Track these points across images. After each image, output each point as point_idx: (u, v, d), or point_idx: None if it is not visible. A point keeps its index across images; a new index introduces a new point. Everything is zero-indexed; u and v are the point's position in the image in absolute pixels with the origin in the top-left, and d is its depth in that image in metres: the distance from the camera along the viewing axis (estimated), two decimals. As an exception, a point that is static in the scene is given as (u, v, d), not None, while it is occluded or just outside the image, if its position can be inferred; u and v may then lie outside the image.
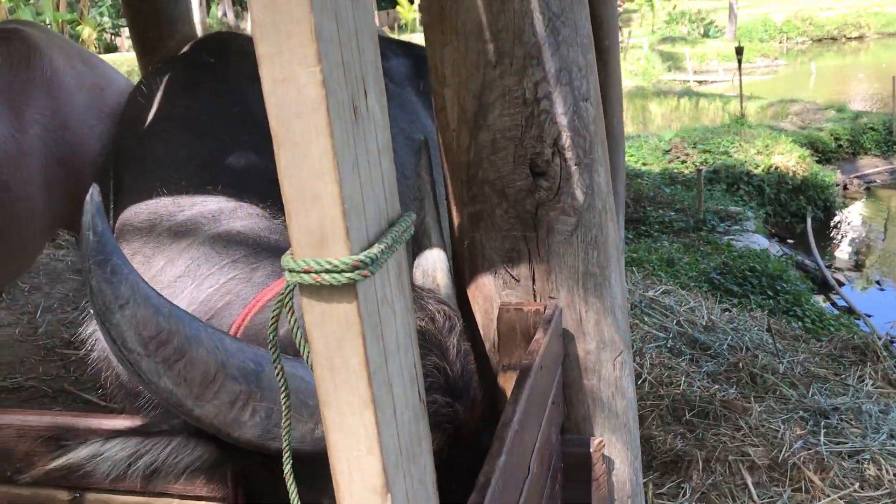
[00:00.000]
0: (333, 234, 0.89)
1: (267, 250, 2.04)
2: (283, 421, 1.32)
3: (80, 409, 4.71)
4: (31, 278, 6.83)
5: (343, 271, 0.90)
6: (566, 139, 2.15)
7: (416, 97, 3.67)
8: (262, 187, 2.39)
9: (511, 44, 2.12)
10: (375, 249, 0.93)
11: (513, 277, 2.21)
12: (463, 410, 1.70)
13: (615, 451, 2.32)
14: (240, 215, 2.19)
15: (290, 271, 0.93)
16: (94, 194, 1.27)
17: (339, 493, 1.00)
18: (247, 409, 1.39)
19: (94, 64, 4.52)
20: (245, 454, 1.51)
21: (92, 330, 2.30)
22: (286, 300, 1.23)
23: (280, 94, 0.86)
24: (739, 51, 16.36)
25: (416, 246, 2.20)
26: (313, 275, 0.91)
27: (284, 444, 1.31)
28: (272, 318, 1.27)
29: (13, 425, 2.45)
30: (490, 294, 2.25)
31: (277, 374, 1.31)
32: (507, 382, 2.08)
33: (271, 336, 1.29)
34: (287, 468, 1.31)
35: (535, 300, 2.20)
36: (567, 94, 2.15)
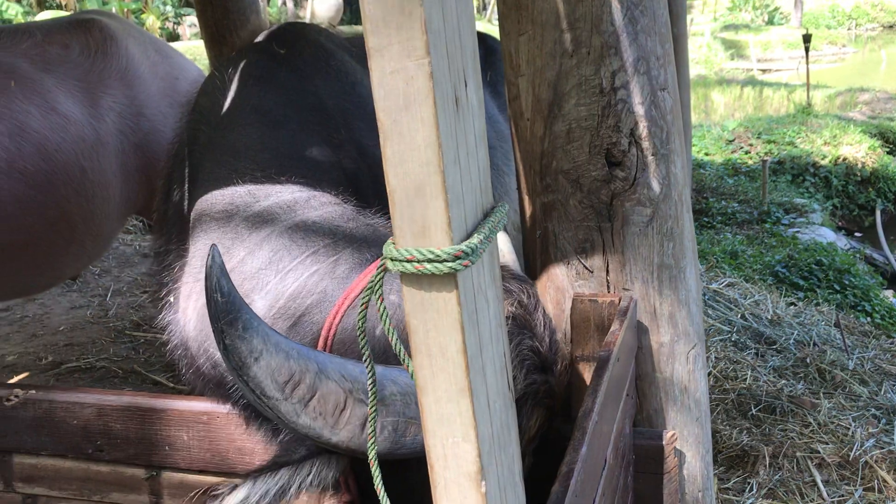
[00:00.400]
0: (436, 223, 0.91)
1: (344, 239, 2.07)
2: (368, 419, 1.35)
3: (149, 390, 4.83)
4: (101, 262, 7.02)
5: (445, 261, 0.91)
6: (643, 129, 2.13)
7: (484, 86, 3.67)
8: (333, 176, 2.42)
9: (588, 33, 2.10)
10: (475, 239, 0.94)
11: (586, 268, 2.21)
12: (556, 383, 1.75)
13: (687, 444, 2.30)
14: (314, 205, 2.22)
15: (391, 260, 0.95)
16: (214, 255, 1.34)
17: (434, 477, 1.02)
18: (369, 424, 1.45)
19: (168, 53, 4.62)
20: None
21: (170, 318, 2.36)
22: (376, 287, 1.25)
23: (388, 86, 0.87)
24: (807, 38, 15.93)
25: None
26: (415, 264, 0.92)
27: (370, 445, 1.35)
28: (362, 305, 1.30)
29: (94, 404, 2.54)
30: (562, 285, 2.25)
31: (366, 365, 1.34)
32: (580, 373, 2.08)
33: (360, 324, 1.32)
34: (376, 475, 1.34)
35: (609, 291, 2.20)
36: (645, 83, 2.13)
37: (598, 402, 1.60)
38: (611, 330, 1.91)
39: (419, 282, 0.94)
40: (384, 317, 1.26)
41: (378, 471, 1.31)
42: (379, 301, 1.26)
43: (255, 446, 2.36)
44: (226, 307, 1.38)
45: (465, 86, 0.97)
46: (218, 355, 2.09)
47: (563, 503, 1.28)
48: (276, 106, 2.51)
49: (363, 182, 2.53)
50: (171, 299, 2.32)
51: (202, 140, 2.52)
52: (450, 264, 0.91)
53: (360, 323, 1.32)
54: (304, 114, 2.53)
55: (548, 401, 1.75)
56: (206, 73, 5.20)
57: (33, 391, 2.60)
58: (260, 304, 1.98)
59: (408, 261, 0.93)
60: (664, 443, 2.15)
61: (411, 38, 0.84)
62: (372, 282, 1.26)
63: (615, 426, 1.84)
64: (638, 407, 2.25)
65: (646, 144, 2.14)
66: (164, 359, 5.33)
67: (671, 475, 2.20)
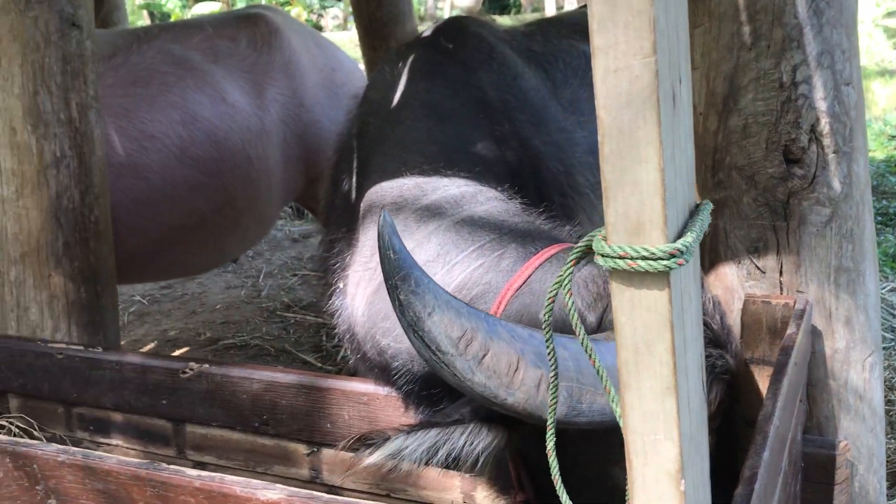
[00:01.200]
0: (651, 221, 0.91)
1: (509, 235, 2.10)
2: (549, 396, 1.37)
3: (299, 369, 5.03)
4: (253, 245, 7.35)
5: (659, 259, 0.92)
6: (825, 125, 2.04)
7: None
8: (497, 170, 2.45)
9: (769, 25, 2.03)
10: (689, 238, 0.94)
11: (758, 268, 2.14)
12: (733, 360, 1.73)
13: (859, 456, 2.20)
14: (480, 200, 2.25)
15: (602, 256, 0.96)
16: (385, 216, 1.39)
17: (632, 473, 1.02)
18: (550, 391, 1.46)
19: (326, 46, 4.80)
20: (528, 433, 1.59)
21: (339, 304, 2.45)
22: (565, 282, 1.27)
23: (611, 84, 0.88)
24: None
25: None
26: (628, 261, 0.93)
27: (549, 419, 1.36)
28: (548, 298, 1.32)
29: (263, 380, 2.68)
30: (731, 284, 2.19)
31: (548, 352, 1.35)
32: (750, 376, 2.02)
33: (546, 316, 1.34)
34: (550, 445, 1.36)
35: (781, 293, 2.12)
36: (828, 78, 2.04)
37: (778, 406, 1.55)
38: (787, 333, 1.85)
39: (630, 279, 0.95)
40: (572, 311, 1.27)
41: (553, 442, 1.33)
42: (568, 296, 1.27)
43: (412, 429, 2.42)
44: (398, 263, 1.42)
45: (680, 83, 0.97)
46: (384, 342, 2.16)
47: (748, 508, 1.26)
48: (443, 99, 2.56)
49: (525, 175, 2.55)
50: (341, 286, 2.41)
51: (371, 132, 2.61)
52: (664, 262, 0.91)
53: (546, 317, 1.34)
54: (470, 107, 2.57)
55: (726, 377, 1.73)
56: (358, 62, 5.36)
57: (207, 365, 2.76)
58: None
59: (620, 257, 0.94)
60: (836, 452, 2.06)
61: (639, 36, 0.85)
62: (561, 276, 1.28)
63: (790, 433, 1.78)
64: (808, 413, 2.16)
65: (827, 141, 2.05)
66: (312, 339, 5.57)
67: (842, 487, 2.10)
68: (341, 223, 2.61)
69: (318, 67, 4.58)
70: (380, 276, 2.23)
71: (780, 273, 2.12)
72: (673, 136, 0.93)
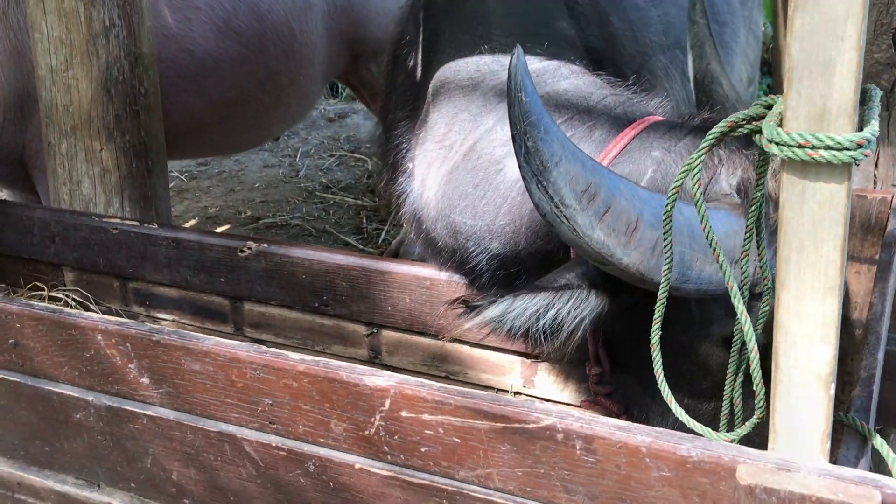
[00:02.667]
0: (840, 107, 0.82)
1: (598, 107, 2.00)
2: (664, 265, 1.32)
3: (342, 250, 5.03)
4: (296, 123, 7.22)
5: (846, 149, 0.83)
6: (941, 7, 1.90)
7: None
8: (576, 45, 2.32)
9: None
10: (875, 126, 0.85)
11: (852, 160, 2.04)
12: None
13: (937, 355, 2.16)
14: (563, 73, 2.15)
15: (777, 144, 0.88)
16: (519, 55, 1.29)
17: (778, 374, 0.98)
18: (665, 254, 1.40)
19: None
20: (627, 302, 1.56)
21: (405, 185, 2.38)
22: (695, 169, 1.19)
23: (813, -53, 0.78)
24: None
25: (706, 95, 2.09)
26: (809, 150, 0.85)
27: (662, 286, 1.32)
28: (673, 188, 1.24)
29: (323, 261, 2.65)
30: (821, 176, 2.10)
31: (665, 239, 1.29)
32: (839, 272, 1.97)
33: (669, 206, 1.27)
34: (659, 312, 1.32)
35: (874, 187, 2.03)
36: (950, -46, 1.89)
37: (887, 306, 1.50)
38: (889, 230, 1.78)
39: (805, 170, 0.87)
40: (699, 200, 1.20)
41: (662, 308, 1.29)
42: (696, 187, 1.20)
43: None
44: (528, 107, 1.35)
45: (873, -50, 0.86)
46: (460, 220, 2.09)
47: (868, 409, 1.22)
48: None
49: (604, 53, 2.42)
50: (409, 166, 2.33)
51: (440, 4, 2.46)
52: (850, 153, 0.83)
53: (668, 208, 1.27)
54: None
55: None
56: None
57: (265, 245, 2.73)
58: (514, 169, 1.95)
59: (800, 146, 0.85)
60: (918, 352, 2.02)
61: None
62: (690, 163, 1.20)
63: (884, 331, 1.74)
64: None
65: (941, 25, 1.92)
66: (353, 221, 5.53)
67: (920, 386, 2.07)
68: (405, 102, 2.51)
69: (366, -63, 4.35)
70: (456, 155, 2.15)
71: (875, 165, 2.03)
72: (867, 11, 0.83)
